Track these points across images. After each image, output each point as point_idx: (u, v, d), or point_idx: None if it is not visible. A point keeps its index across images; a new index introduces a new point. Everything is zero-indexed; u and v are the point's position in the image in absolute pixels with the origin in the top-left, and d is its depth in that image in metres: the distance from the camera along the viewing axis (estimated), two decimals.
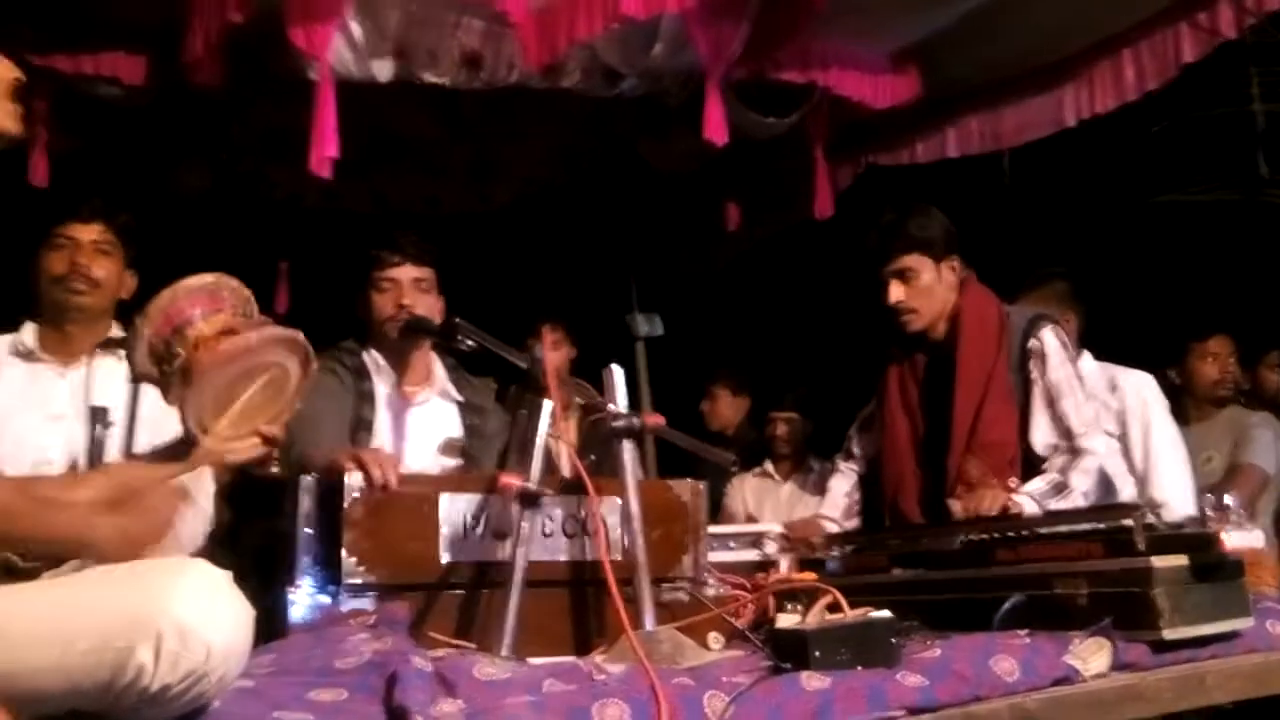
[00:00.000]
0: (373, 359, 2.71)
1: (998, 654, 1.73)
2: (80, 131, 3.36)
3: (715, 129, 3.27)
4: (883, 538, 2.45)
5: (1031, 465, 2.70)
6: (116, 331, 2.47)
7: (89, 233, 2.49)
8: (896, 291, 2.79)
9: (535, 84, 3.32)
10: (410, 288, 2.66)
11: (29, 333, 2.48)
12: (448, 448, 2.67)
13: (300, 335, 1.73)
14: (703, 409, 4.62)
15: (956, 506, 2.55)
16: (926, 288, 2.80)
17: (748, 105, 3.66)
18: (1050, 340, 2.76)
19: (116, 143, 3.56)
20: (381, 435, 2.62)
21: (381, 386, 2.68)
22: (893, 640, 1.71)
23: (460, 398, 2.76)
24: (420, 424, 2.69)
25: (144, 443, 2.12)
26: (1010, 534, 2.17)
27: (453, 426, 2.73)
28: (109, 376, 2.17)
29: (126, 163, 3.65)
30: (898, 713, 1.60)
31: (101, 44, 3.07)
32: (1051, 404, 2.71)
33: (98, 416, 2.11)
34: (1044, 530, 2.15)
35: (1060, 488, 2.61)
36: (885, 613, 1.76)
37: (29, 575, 1.47)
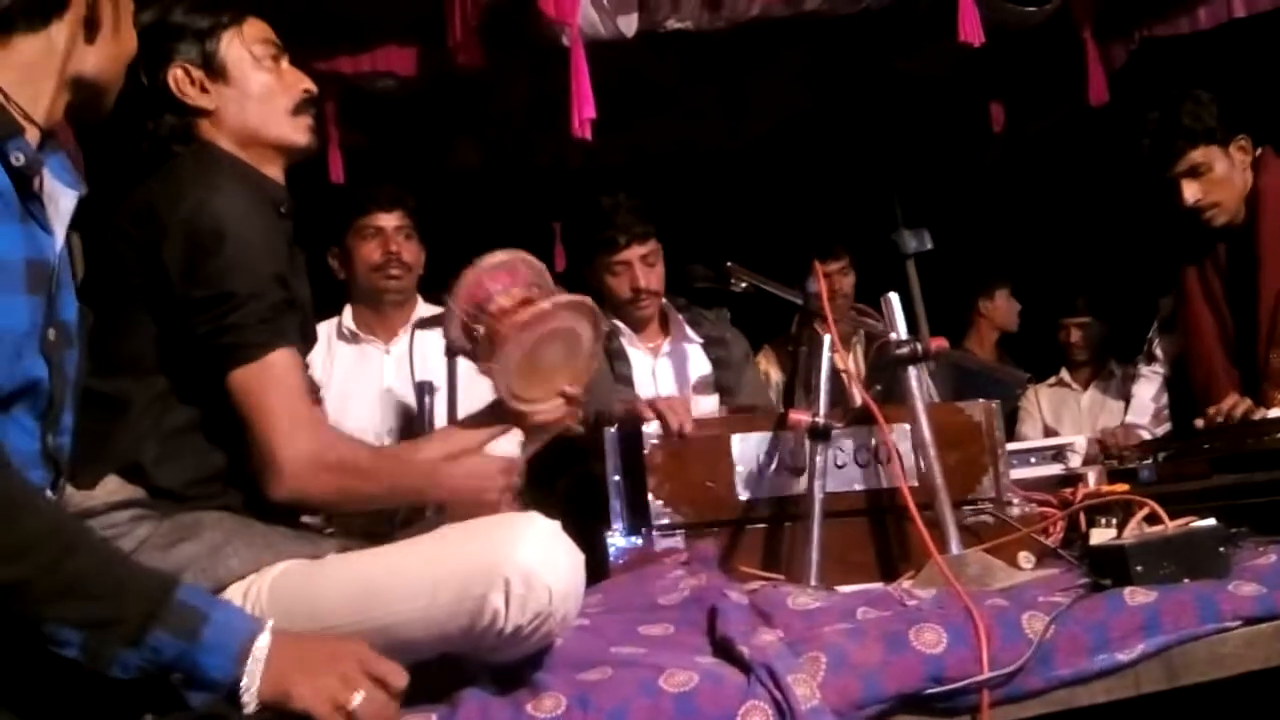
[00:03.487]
0: (613, 324, 2.77)
1: None
2: (365, 126, 3.64)
3: (971, 29, 3.12)
4: (1200, 441, 2.31)
5: None
6: (425, 308, 2.70)
7: (393, 219, 2.71)
8: (1191, 191, 2.58)
9: (778, 12, 3.28)
10: (640, 265, 2.70)
11: (348, 316, 2.75)
12: (701, 386, 2.76)
13: (588, 300, 1.83)
14: (982, 309, 4.46)
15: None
16: (1223, 178, 2.58)
17: None
18: None
19: (396, 132, 3.83)
20: (641, 391, 2.71)
21: (629, 345, 2.78)
22: (1221, 549, 1.63)
23: (700, 337, 2.83)
24: (671, 372, 2.78)
25: (464, 410, 2.32)
26: None
27: (701, 365, 2.81)
28: (429, 351, 2.38)
29: (406, 149, 3.92)
30: (1233, 624, 1.54)
31: (375, 42, 3.31)
32: None
33: (424, 389, 2.31)
34: None
35: None
36: (1210, 521, 1.68)
37: (387, 539, 1.66)
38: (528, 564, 1.34)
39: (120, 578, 1.17)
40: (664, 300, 2.85)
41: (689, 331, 2.85)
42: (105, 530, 1.42)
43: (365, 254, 2.70)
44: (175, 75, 1.60)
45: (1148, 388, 2.84)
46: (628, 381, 2.70)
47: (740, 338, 2.91)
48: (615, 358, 2.74)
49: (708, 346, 2.83)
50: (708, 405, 2.72)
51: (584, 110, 2.89)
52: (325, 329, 2.69)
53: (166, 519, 1.47)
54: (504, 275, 1.77)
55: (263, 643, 1.17)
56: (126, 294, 1.50)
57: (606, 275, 2.76)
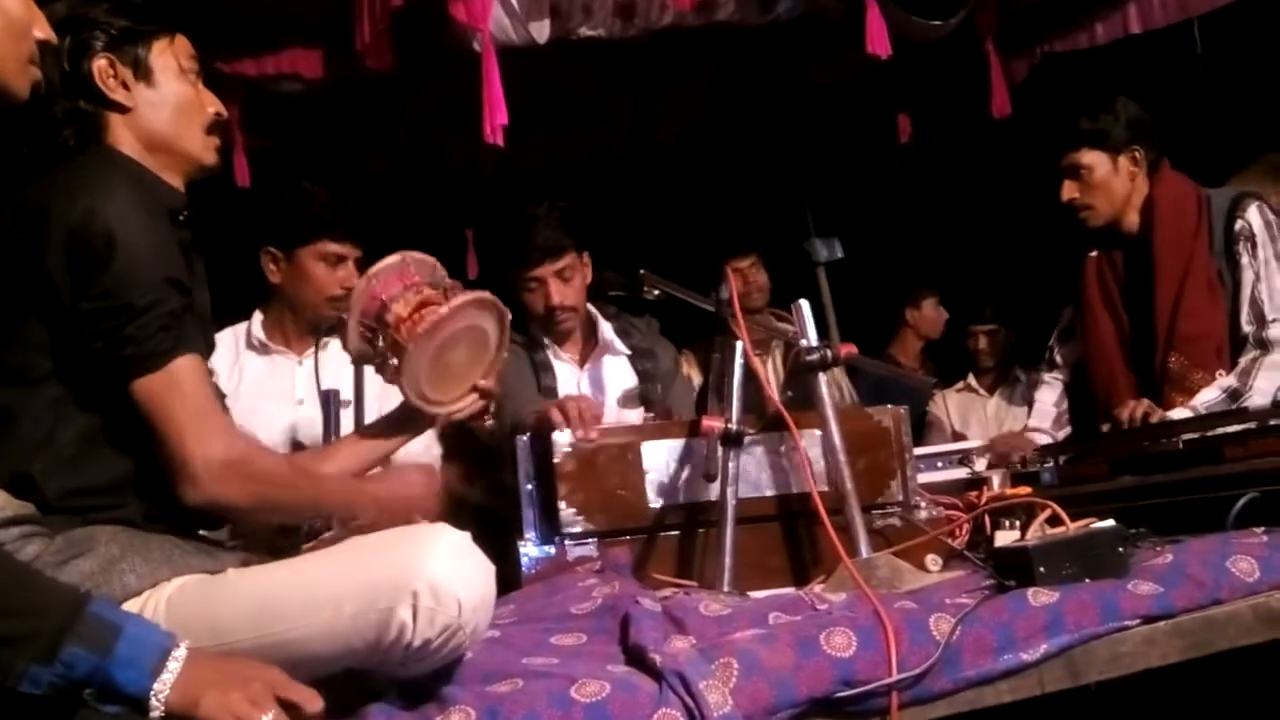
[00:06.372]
0: (538, 335, 2.77)
1: (1235, 555, 1.67)
2: (271, 130, 3.56)
3: (878, 41, 3.18)
4: (1099, 444, 2.38)
5: None
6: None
7: (356, 252, 2.55)
8: (1069, 189, 2.74)
9: (690, 22, 3.30)
10: (554, 281, 2.68)
11: (258, 325, 2.64)
12: (626, 399, 2.75)
13: (489, 295, 1.82)
14: (909, 318, 4.55)
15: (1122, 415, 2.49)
16: (1100, 183, 2.72)
17: (909, 9, 3.54)
18: (1255, 218, 2.62)
19: (304, 136, 3.75)
20: None
21: (554, 357, 2.76)
22: (1120, 549, 1.67)
23: (627, 349, 2.81)
24: (597, 384, 2.76)
25: (372, 417, 2.26)
26: (1238, 429, 2.08)
27: (627, 378, 2.79)
28: (336, 360, 2.32)
29: (314, 153, 3.84)
30: (1132, 622, 1.57)
31: (280, 44, 3.23)
32: (1252, 286, 2.57)
33: (330, 399, 2.25)
34: (1276, 422, 2.04)
35: (1236, 395, 2.48)
36: (1109, 522, 1.72)
37: (290, 552, 1.62)
38: (436, 576, 1.31)
39: (32, 593, 1.16)
40: (592, 309, 2.82)
41: (616, 343, 2.81)
42: None
43: (324, 282, 2.53)
44: (99, 66, 1.58)
45: (1049, 393, 2.93)
46: (553, 393, 2.66)
47: (669, 348, 2.90)
48: (541, 369, 2.71)
49: (635, 359, 2.80)
50: (632, 419, 2.70)
51: (496, 116, 2.86)
52: (230, 336, 2.59)
53: (58, 534, 1.42)
54: (395, 281, 1.75)
55: (179, 654, 1.17)
56: (11, 300, 1.44)
57: (523, 290, 2.73)
